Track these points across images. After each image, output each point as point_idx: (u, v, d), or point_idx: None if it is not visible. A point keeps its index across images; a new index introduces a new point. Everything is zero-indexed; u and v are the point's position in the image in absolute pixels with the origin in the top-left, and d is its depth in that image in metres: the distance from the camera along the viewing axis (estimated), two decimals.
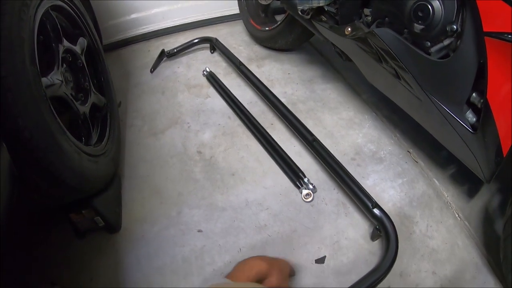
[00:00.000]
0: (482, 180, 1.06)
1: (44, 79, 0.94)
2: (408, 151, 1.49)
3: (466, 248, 1.20)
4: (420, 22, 0.96)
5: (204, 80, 1.90)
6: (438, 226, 1.25)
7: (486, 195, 1.35)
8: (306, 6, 1.39)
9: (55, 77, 1.01)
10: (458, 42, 0.90)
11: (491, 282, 1.12)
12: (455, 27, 0.89)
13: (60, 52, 1.10)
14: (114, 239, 1.22)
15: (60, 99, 1.06)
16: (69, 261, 1.16)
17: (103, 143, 1.26)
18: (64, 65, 1.16)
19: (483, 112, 0.89)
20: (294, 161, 1.42)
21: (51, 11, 1.09)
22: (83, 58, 1.30)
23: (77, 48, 1.26)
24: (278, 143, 1.49)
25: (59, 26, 1.12)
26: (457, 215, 1.28)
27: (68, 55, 1.21)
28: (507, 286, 1.07)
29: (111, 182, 1.23)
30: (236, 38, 2.28)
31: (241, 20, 2.32)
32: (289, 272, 1.02)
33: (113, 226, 1.21)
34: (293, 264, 1.11)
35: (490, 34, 0.80)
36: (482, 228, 1.25)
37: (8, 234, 0.70)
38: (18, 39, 0.82)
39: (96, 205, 1.10)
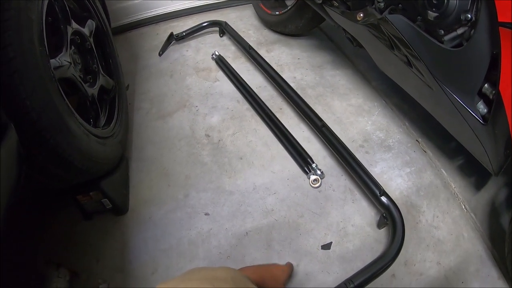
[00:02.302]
0: (490, 173, 1.05)
1: (52, 61, 0.94)
2: (416, 140, 1.48)
3: (471, 240, 1.20)
4: (434, 9, 0.94)
5: (213, 64, 1.90)
6: (444, 216, 1.24)
7: (493, 188, 1.34)
8: None
9: (64, 58, 1.01)
10: (472, 32, 0.87)
11: (494, 276, 1.12)
12: (469, 16, 0.86)
13: (69, 34, 1.10)
14: (121, 221, 1.24)
15: (69, 81, 1.06)
16: (76, 243, 1.18)
17: (111, 125, 1.27)
18: (73, 47, 1.16)
19: (495, 104, 0.88)
20: (303, 146, 1.42)
21: None
22: (91, 40, 1.30)
23: (85, 30, 1.26)
24: (287, 128, 1.49)
25: (67, 8, 1.11)
26: (463, 207, 1.27)
27: (77, 37, 1.21)
28: (511, 280, 1.07)
29: (118, 164, 1.24)
30: (245, 22, 2.25)
31: (251, 4, 2.30)
32: (288, 274, 1.01)
33: (120, 208, 1.22)
34: (292, 264, 1.10)
35: (505, 25, 0.78)
36: (487, 221, 1.24)
37: (15, 215, 0.70)
38: (26, 19, 0.81)
39: (103, 187, 1.11)
